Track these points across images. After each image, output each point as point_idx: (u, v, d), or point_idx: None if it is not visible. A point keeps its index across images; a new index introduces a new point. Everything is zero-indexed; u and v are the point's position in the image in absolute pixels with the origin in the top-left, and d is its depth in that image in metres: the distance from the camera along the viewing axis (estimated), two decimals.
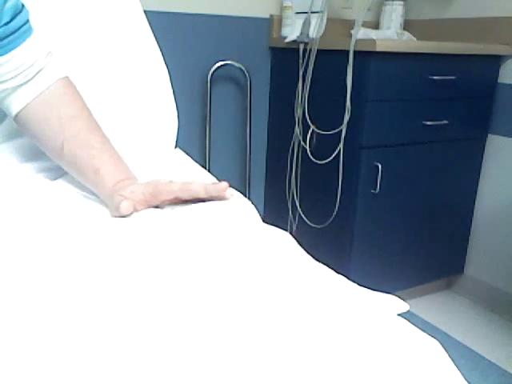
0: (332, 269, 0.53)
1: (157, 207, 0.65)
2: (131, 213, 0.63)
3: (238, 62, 1.83)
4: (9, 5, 0.63)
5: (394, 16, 1.88)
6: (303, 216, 1.81)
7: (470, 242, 1.97)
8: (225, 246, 0.53)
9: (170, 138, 0.93)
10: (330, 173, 1.68)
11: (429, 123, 1.65)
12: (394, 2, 1.87)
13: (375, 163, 1.60)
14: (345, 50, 1.53)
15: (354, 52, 1.50)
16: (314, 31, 1.66)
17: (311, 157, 1.73)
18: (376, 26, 1.99)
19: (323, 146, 1.69)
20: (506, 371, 1.54)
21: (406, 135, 1.64)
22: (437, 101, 1.66)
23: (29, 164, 0.77)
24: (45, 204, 0.67)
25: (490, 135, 1.84)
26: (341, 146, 1.60)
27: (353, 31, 1.55)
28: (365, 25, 1.78)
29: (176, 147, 0.95)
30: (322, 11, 1.66)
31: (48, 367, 0.35)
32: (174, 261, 0.50)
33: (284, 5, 1.81)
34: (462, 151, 1.79)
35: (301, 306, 0.43)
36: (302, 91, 1.74)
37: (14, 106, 0.68)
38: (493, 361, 1.58)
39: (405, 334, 0.41)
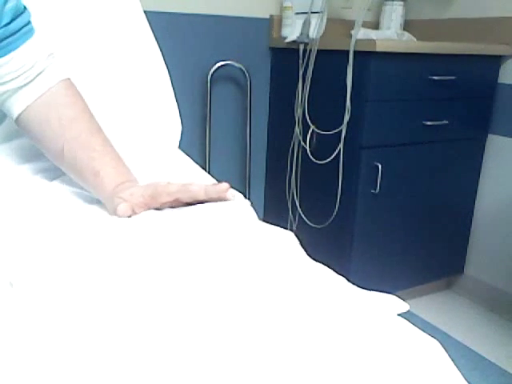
0: (332, 269, 0.53)
1: (157, 210, 0.65)
2: (129, 215, 0.63)
3: (238, 62, 1.83)
4: (9, 6, 0.63)
5: (394, 16, 1.88)
6: (303, 216, 1.81)
7: (469, 242, 1.97)
8: (224, 246, 0.53)
9: (174, 140, 0.93)
10: (330, 173, 1.68)
11: (429, 123, 1.65)
12: (394, 2, 1.87)
13: (375, 163, 1.60)
14: (345, 50, 1.53)
15: (354, 52, 1.51)
16: (314, 31, 1.66)
17: (311, 157, 1.73)
18: (376, 26, 1.99)
19: (323, 146, 1.69)
20: (506, 371, 1.54)
21: (406, 135, 1.64)
22: (437, 101, 1.66)
23: (27, 165, 0.77)
24: (43, 205, 0.67)
25: (490, 135, 1.84)
26: (341, 145, 1.60)
27: (353, 31, 1.55)
28: (365, 25, 1.78)
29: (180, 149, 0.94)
30: (322, 11, 1.66)
31: (48, 367, 0.35)
32: (174, 261, 0.50)
33: (284, 5, 1.81)
34: (461, 151, 1.79)
35: (301, 307, 0.43)
36: (302, 91, 1.74)
37: (15, 108, 0.68)
38: (493, 361, 1.58)
39: (405, 334, 0.41)
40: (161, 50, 0.96)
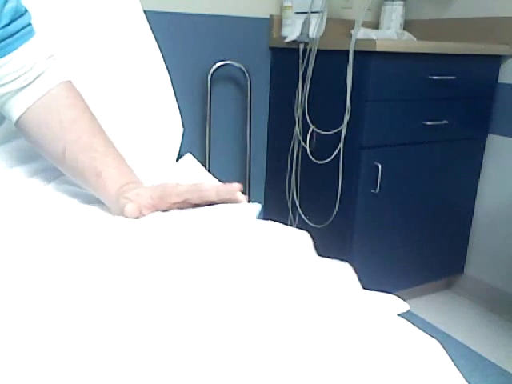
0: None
1: (164, 211, 0.63)
2: (137, 217, 0.61)
3: (238, 62, 1.83)
4: (8, 7, 0.63)
5: (393, 16, 1.88)
6: (303, 216, 1.81)
7: (470, 242, 1.97)
8: (233, 249, 0.53)
9: (175, 141, 0.92)
10: (330, 173, 1.68)
11: (429, 123, 1.65)
12: (394, 2, 1.87)
13: (375, 163, 1.60)
14: (345, 50, 1.53)
15: (354, 52, 1.51)
16: (314, 31, 1.66)
17: (311, 157, 1.73)
18: (376, 26, 1.99)
19: (323, 146, 1.69)
20: (506, 371, 1.54)
21: (406, 135, 1.64)
22: (437, 101, 1.66)
23: (27, 165, 0.76)
24: (44, 206, 0.67)
25: (490, 135, 1.84)
26: (341, 145, 1.60)
27: (353, 31, 1.55)
28: (365, 25, 1.78)
29: (180, 149, 0.94)
30: (322, 11, 1.66)
31: (48, 367, 0.35)
32: (181, 264, 0.49)
33: (284, 5, 1.81)
34: (461, 151, 1.79)
35: (301, 307, 0.43)
36: (302, 91, 1.74)
37: (15, 110, 0.67)
38: (493, 361, 1.58)
39: (405, 333, 0.41)
40: (161, 50, 0.96)
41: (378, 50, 1.46)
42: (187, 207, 0.63)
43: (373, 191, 1.63)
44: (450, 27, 1.91)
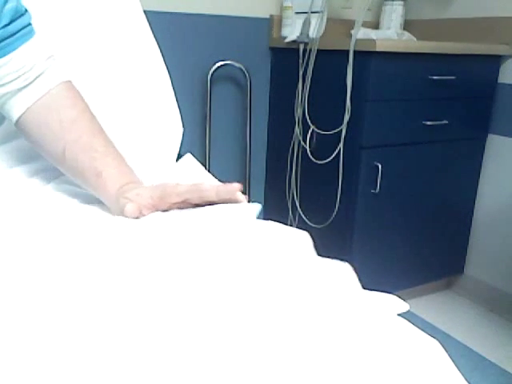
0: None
1: (164, 211, 0.63)
2: (137, 217, 0.61)
3: (238, 62, 1.83)
4: (8, 7, 0.63)
5: (393, 16, 1.88)
6: (303, 216, 1.81)
7: (470, 242, 1.97)
8: (234, 249, 0.53)
9: (175, 141, 0.92)
10: (330, 173, 1.68)
11: (429, 123, 1.65)
12: (394, 2, 1.87)
13: (375, 163, 1.60)
14: (345, 50, 1.53)
15: (354, 52, 1.51)
16: (314, 31, 1.66)
17: (311, 157, 1.73)
18: (376, 26, 1.99)
19: (323, 146, 1.69)
20: (506, 371, 1.54)
21: (406, 135, 1.64)
22: (437, 101, 1.66)
23: (27, 165, 0.76)
24: (45, 206, 0.67)
25: (490, 135, 1.84)
26: (341, 145, 1.60)
27: (353, 31, 1.55)
28: (365, 25, 1.78)
29: (180, 150, 0.94)
30: (322, 11, 1.66)
31: (48, 367, 0.35)
32: (179, 264, 0.49)
33: (284, 5, 1.81)
34: (461, 151, 1.79)
35: (300, 307, 0.43)
36: (302, 91, 1.74)
37: (15, 110, 0.67)
38: (493, 361, 1.58)
39: (405, 333, 0.41)
40: (161, 50, 0.96)
41: (377, 49, 1.46)
42: (187, 207, 0.63)
43: (373, 191, 1.63)
44: (450, 27, 1.91)
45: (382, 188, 1.63)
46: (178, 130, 0.94)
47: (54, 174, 0.76)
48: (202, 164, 0.86)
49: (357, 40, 1.49)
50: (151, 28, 0.96)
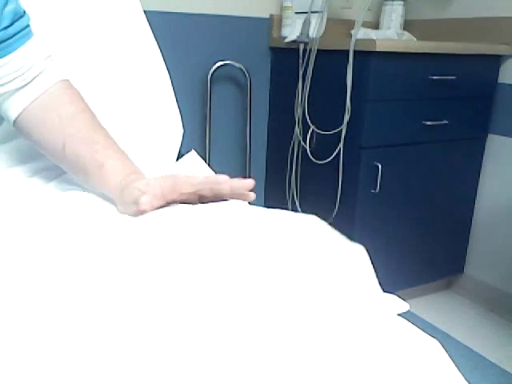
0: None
1: (172, 206, 0.61)
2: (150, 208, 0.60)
3: (238, 62, 1.83)
4: (8, 9, 0.63)
5: (393, 16, 1.88)
6: None
7: (469, 242, 1.97)
8: (239, 230, 0.52)
9: (175, 141, 0.92)
10: (329, 173, 1.68)
11: (429, 123, 1.65)
12: (394, 2, 1.87)
13: (375, 163, 1.60)
14: (345, 50, 1.53)
15: (354, 52, 1.50)
16: (314, 31, 1.66)
17: (311, 157, 1.73)
18: (376, 26, 1.99)
19: (323, 146, 1.69)
20: (506, 371, 1.54)
21: (406, 135, 1.64)
22: (437, 101, 1.66)
23: (25, 165, 0.76)
24: (43, 206, 0.67)
25: (490, 135, 1.84)
26: (341, 146, 1.60)
27: (353, 31, 1.55)
28: (365, 25, 1.78)
29: (180, 150, 0.94)
30: (322, 11, 1.66)
31: (48, 366, 0.35)
32: (187, 255, 0.49)
33: (284, 5, 1.81)
34: (461, 151, 1.79)
35: (301, 307, 0.43)
36: (302, 91, 1.74)
37: (13, 110, 0.67)
38: (493, 361, 1.58)
39: (405, 333, 0.41)
40: (161, 50, 0.96)
41: (377, 49, 1.46)
42: (194, 202, 0.62)
43: (373, 191, 1.63)
44: (450, 27, 1.91)
45: (382, 188, 1.63)
46: (178, 130, 0.94)
47: (54, 174, 0.76)
48: None
49: (357, 40, 1.49)
50: (151, 28, 0.96)
